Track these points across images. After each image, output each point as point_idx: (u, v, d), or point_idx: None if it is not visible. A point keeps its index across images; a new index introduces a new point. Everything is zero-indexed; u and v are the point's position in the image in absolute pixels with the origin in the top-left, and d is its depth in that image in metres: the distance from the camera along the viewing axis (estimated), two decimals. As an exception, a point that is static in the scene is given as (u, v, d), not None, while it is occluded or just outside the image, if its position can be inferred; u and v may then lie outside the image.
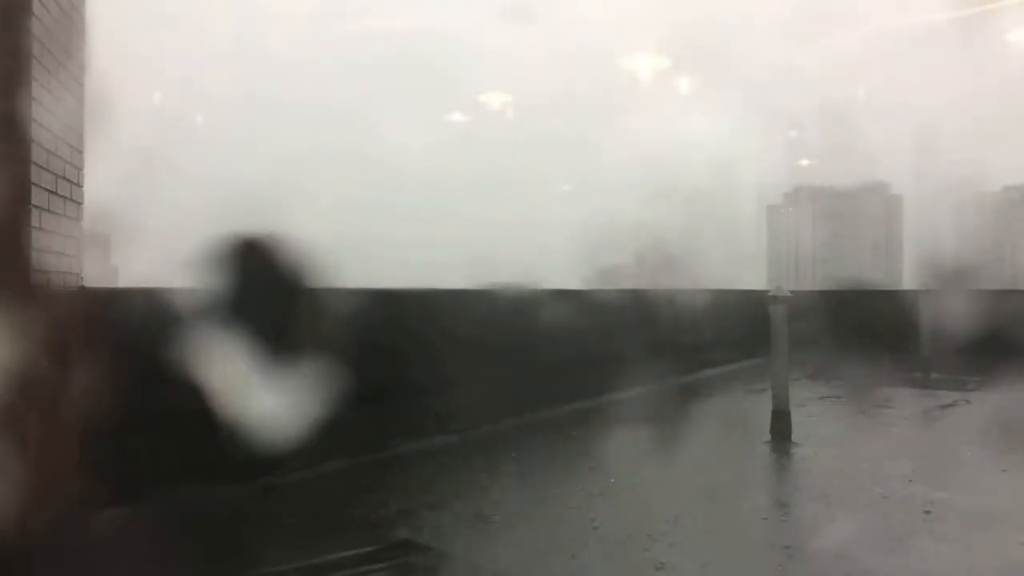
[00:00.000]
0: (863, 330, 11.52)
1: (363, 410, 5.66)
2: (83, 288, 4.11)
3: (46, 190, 3.59)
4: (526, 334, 7.24)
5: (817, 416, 7.46)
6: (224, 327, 4.90)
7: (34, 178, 3.46)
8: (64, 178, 3.81)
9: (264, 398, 4.96)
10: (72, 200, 3.94)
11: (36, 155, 3.47)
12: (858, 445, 6.45)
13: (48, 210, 3.62)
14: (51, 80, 3.67)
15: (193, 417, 4.56)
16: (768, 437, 6.19)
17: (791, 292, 6.66)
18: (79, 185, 4.04)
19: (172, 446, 4.37)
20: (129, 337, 4.28)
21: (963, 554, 3.79)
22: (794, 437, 6.17)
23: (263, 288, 5.16)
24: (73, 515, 3.73)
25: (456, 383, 6.31)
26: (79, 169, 4.05)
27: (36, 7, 3.47)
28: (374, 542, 3.80)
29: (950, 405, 8.26)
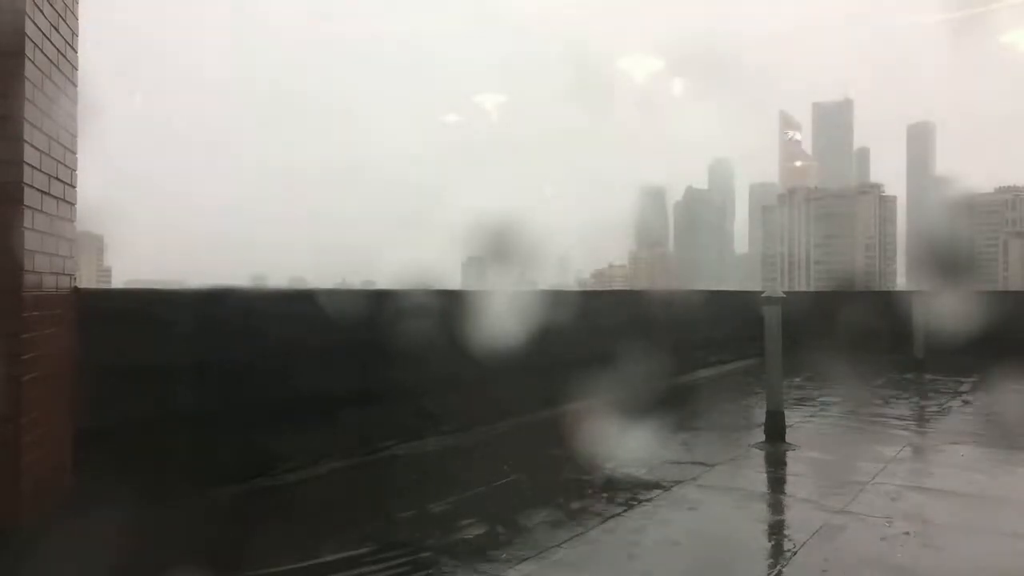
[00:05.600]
0: (857, 331, 11.55)
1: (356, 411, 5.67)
2: (76, 288, 4.10)
3: (39, 191, 3.59)
4: (520, 335, 7.24)
5: (811, 417, 7.47)
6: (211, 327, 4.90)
7: (27, 179, 3.46)
8: (57, 179, 3.81)
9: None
10: (65, 201, 3.93)
11: (29, 156, 3.47)
12: (852, 446, 6.46)
13: (41, 211, 3.62)
14: (44, 81, 3.66)
15: (188, 418, 4.55)
16: (762, 438, 6.20)
17: (785, 293, 6.66)
18: (72, 186, 4.03)
19: (166, 446, 4.36)
20: (121, 338, 4.27)
21: (952, 560, 3.81)
22: (788, 438, 6.18)
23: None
24: (66, 514, 3.72)
25: (447, 384, 6.31)
26: (72, 170, 4.04)
27: (30, 8, 3.47)
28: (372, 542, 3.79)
29: (944, 406, 8.29)
